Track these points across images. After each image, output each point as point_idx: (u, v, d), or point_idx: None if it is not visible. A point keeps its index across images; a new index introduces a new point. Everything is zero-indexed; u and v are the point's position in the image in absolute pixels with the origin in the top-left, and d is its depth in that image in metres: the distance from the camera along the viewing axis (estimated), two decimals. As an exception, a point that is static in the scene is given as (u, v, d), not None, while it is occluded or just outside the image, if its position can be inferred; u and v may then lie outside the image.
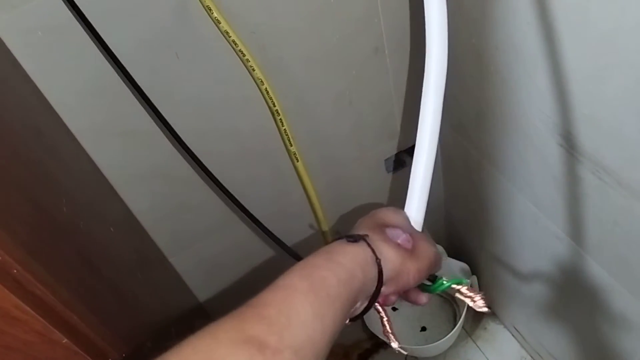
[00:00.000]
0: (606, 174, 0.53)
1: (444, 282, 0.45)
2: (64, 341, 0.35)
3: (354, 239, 0.40)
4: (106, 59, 0.55)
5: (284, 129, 0.68)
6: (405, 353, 0.45)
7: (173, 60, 0.58)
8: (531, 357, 0.99)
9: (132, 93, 0.59)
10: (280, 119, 0.67)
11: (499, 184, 0.74)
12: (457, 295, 0.44)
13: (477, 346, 1.03)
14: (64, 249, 0.42)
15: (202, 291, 0.86)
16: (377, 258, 0.39)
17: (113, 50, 0.55)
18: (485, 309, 0.44)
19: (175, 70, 0.59)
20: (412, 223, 0.46)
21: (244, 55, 0.59)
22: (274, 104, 0.65)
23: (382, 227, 0.42)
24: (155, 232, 0.73)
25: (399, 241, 0.42)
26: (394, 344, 0.44)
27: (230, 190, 0.75)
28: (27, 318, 0.32)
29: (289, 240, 0.87)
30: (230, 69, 0.61)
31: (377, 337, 0.96)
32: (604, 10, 0.43)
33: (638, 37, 0.41)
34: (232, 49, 0.59)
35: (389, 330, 0.44)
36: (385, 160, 0.86)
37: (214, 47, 0.59)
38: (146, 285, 0.63)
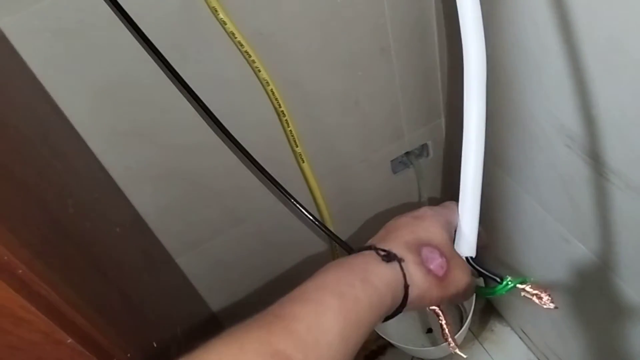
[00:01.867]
0: (614, 175, 0.52)
1: (509, 282, 0.43)
2: (68, 341, 0.35)
3: (389, 257, 0.38)
4: (114, 60, 0.55)
5: (290, 130, 0.68)
6: (464, 356, 0.44)
7: (179, 61, 0.58)
8: (538, 359, 0.98)
9: (139, 94, 0.59)
10: (286, 119, 0.67)
11: (506, 185, 0.74)
12: (523, 294, 0.43)
13: (484, 348, 1.02)
14: (70, 249, 0.42)
15: (209, 292, 0.86)
16: (406, 284, 0.38)
17: (120, 52, 0.55)
18: (552, 306, 0.42)
19: (181, 71, 0.59)
20: (465, 243, 0.44)
21: (250, 57, 0.60)
22: (279, 104, 0.65)
23: (420, 245, 0.40)
24: (161, 233, 0.73)
25: (431, 267, 0.40)
26: (454, 349, 0.43)
27: (236, 190, 0.75)
28: (32, 318, 0.32)
29: (293, 241, 0.87)
30: (236, 70, 0.61)
31: (384, 338, 0.96)
32: (612, 10, 0.42)
33: (647, 37, 0.41)
34: (238, 50, 0.59)
35: (448, 335, 0.43)
36: (392, 161, 0.86)
37: (220, 48, 0.59)
38: (152, 285, 0.63)
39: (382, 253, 0.38)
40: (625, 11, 0.41)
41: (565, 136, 0.56)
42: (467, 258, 0.44)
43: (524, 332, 0.99)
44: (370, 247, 0.39)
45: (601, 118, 0.50)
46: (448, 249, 0.41)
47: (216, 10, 0.55)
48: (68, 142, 0.56)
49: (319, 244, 0.89)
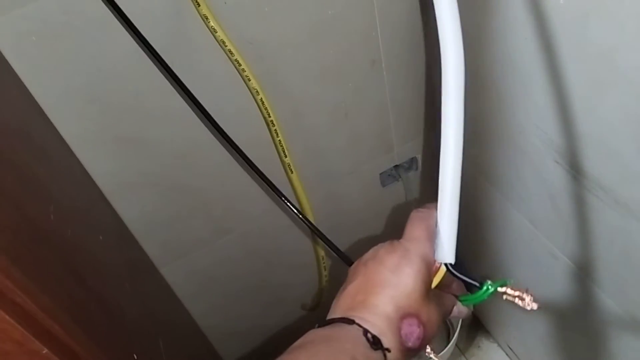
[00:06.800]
0: (603, 192, 0.52)
1: (489, 287, 0.41)
2: (44, 352, 0.33)
3: (377, 345, 0.38)
4: (100, 65, 0.55)
5: (279, 140, 0.68)
6: None
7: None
8: (525, 376, 0.97)
9: (126, 100, 0.58)
10: (275, 129, 0.66)
11: (495, 200, 0.74)
12: (505, 297, 0.41)
13: (471, 365, 1.02)
14: (49, 256, 0.41)
15: (193, 303, 0.84)
16: None
17: (107, 58, 0.54)
18: (535, 306, 0.40)
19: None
20: (444, 250, 0.43)
21: (240, 65, 0.59)
22: (269, 114, 0.65)
23: (400, 318, 0.40)
24: (146, 242, 0.72)
25: (410, 344, 0.39)
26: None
27: (222, 200, 0.74)
28: (5, 326, 0.31)
29: (281, 253, 0.86)
30: (225, 78, 0.61)
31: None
32: (603, 27, 0.43)
33: (636, 54, 0.41)
34: (228, 59, 0.59)
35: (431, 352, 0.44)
36: (381, 174, 0.86)
37: (210, 56, 0.58)
38: (134, 295, 0.62)
39: (371, 338, 0.38)
40: (615, 28, 0.42)
41: (554, 152, 0.56)
42: (446, 265, 0.43)
43: (510, 349, 0.98)
44: (353, 321, 0.39)
45: (589, 134, 0.50)
46: (424, 307, 0.41)
47: (207, 18, 0.55)
48: (52, 146, 0.55)
49: (306, 256, 0.88)
